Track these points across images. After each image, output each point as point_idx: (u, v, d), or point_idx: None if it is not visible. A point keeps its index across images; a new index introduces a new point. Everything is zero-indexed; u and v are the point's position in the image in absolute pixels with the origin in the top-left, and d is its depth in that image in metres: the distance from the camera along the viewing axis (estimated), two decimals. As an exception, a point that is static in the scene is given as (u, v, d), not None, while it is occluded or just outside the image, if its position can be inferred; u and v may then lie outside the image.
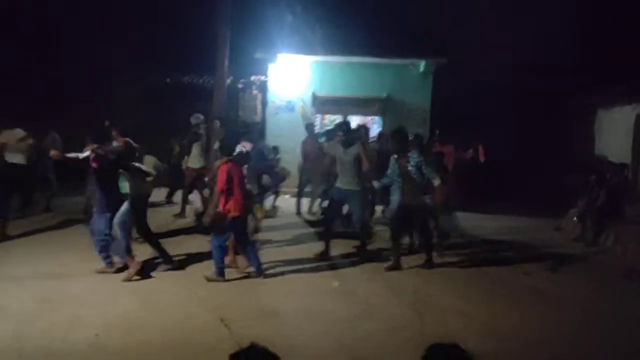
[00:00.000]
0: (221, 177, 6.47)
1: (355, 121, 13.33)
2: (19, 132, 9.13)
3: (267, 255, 7.82)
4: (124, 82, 14.88)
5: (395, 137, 7.62)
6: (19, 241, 8.24)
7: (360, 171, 7.74)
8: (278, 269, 7.21)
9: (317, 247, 7.87)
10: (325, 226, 8.06)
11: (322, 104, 13.97)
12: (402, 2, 13.57)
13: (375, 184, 7.83)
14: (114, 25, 14.99)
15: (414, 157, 7.26)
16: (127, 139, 7.27)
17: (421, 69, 13.81)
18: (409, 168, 7.20)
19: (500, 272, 7.59)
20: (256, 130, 11.75)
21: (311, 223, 9.93)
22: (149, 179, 7.44)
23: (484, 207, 11.18)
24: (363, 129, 10.62)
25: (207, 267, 6.82)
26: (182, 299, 6.00)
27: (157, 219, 9.66)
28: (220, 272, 6.59)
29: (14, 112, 10.71)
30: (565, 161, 12.64)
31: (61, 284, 6.27)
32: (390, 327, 5.47)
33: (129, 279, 6.52)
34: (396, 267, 7.39)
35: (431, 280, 7.03)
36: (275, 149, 10.69)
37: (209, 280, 6.53)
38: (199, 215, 9.07)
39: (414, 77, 13.94)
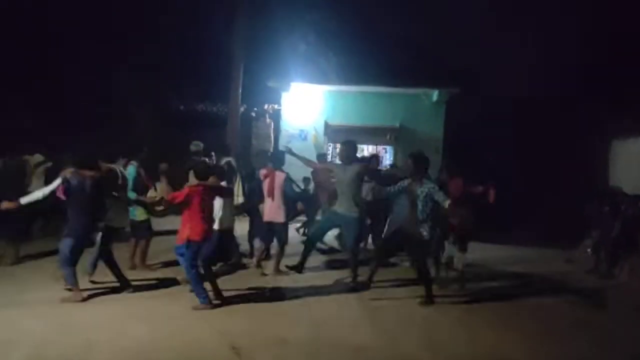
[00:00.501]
0: (182, 192, 6.35)
1: (367, 151, 13.47)
2: (38, 157, 9.28)
3: (276, 282, 7.82)
4: (139, 110, 15.03)
5: (413, 159, 7.10)
6: (32, 264, 8.32)
7: (359, 195, 7.56)
8: (288, 297, 7.19)
9: (329, 274, 7.82)
10: (307, 246, 7.73)
11: (334, 132, 14.07)
12: (415, 32, 13.71)
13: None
14: (126, 52, 15.08)
15: (428, 183, 6.89)
16: (113, 166, 7.21)
17: (434, 98, 13.91)
18: (417, 193, 6.87)
19: (510, 304, 7.48)
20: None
21: (322, 251, 9.91)
22: (159, 208, 7.45)
23: (494, 237, 11.07)
24: (375, 159, 10.65)
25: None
26: (193, 324, 5.98)
27: (171, 246, 9.70)
28: (205, 301, 6.42)
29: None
30: (579, 191, 12.56)
31: (74, 309, 6.29)
32: (400, 356, 5.41)
33: (66, 301, 6.47)
34: (365, 285, 7.41)
35: (440, 310, 6.95)
36: (307, 180, 10.97)
37: (195, 309, 6.36)
38: None
39: (427, 106, 14.04)
